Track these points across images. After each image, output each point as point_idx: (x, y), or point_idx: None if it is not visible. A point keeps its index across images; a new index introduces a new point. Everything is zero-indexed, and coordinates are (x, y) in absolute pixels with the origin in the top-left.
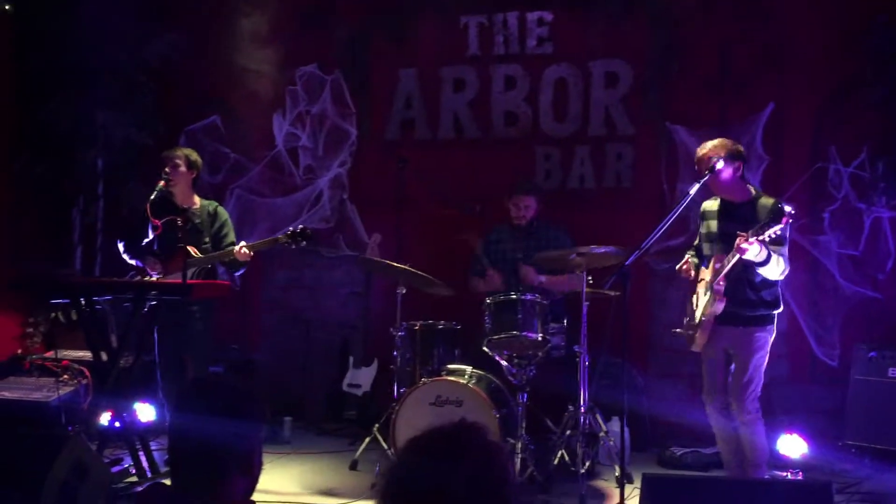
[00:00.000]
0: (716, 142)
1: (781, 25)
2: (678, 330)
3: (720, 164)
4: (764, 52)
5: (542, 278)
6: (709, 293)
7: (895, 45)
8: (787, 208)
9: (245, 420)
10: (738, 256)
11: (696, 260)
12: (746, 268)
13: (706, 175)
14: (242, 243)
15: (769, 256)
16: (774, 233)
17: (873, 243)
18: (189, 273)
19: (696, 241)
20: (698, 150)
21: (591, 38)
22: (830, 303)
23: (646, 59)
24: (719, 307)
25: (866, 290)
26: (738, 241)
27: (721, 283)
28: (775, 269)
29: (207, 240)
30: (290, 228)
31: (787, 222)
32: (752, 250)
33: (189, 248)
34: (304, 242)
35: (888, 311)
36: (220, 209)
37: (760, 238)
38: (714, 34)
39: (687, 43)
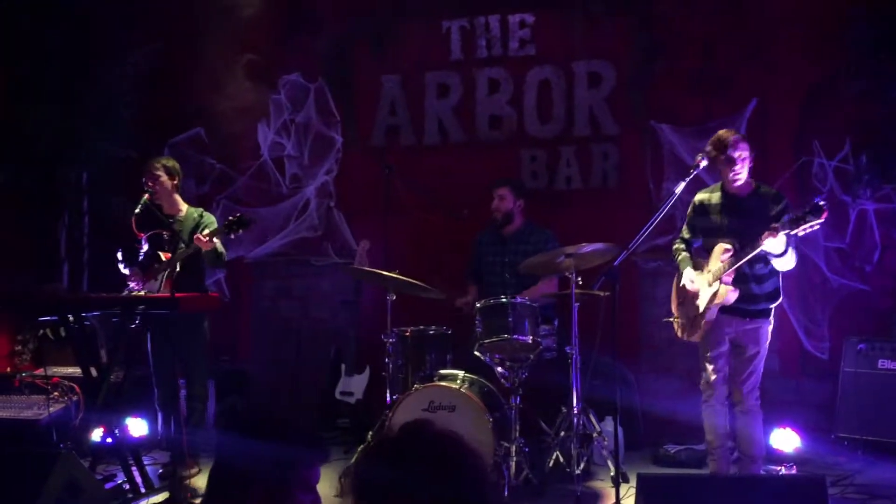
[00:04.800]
0: (737, 133)
1: (763, 21)
2: (670, 319)
3: (746, 155)
4: (746, 49)
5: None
6: (717, 284)
7: (874, 38)
8: (822, 203)
9: (295, 444)
10: (758, 249)
11: (686, 254)
12: (752, 262)
13: (714, 162)
14: (206, 231)
15: (787, 249)
16: (811, 227)
17: (859, 236)
18: (162, 276)
19: (687, 235)
20: (723, 133)
21: (573, 39)
22: (819, 296)
23: (628, 59)
24: (732, 297)
25: (854, 282)
26: (765, 234)
27: (731, 274)
28: (790, 261)
29: (182, 246)
30: (230, 217)
31: (825, 217)
32: (778, 243)
33: (162, 254)
34: (241, 231)
35: (876, 303)
36: (207, 214)
37: (794, 232)
38: (696, 32)
39: (669, 41)
